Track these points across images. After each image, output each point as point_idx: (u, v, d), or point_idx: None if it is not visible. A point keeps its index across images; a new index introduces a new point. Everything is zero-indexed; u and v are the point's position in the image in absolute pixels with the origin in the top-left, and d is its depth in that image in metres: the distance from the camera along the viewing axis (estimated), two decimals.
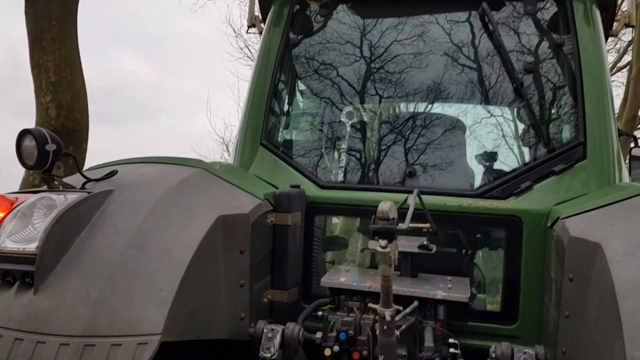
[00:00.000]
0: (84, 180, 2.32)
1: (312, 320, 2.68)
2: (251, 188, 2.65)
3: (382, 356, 1.96)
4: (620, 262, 1.85)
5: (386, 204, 1.91)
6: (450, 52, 3.15)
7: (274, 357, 2.29)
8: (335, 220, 3.09)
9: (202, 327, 2.17)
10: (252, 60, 21.48)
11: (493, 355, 2.21)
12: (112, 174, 2.38)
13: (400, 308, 2.04)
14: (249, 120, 3.20)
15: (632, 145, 5.18)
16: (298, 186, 2.86)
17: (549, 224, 2.56)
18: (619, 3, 3.22)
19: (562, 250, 2.26)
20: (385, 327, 1.95)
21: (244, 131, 3.21)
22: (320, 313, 2.68)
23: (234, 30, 25.78)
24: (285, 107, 3.35)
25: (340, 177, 3.16)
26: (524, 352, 2.17)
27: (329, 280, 2.63)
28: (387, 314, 1.93)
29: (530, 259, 2.65)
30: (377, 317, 2.52)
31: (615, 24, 3.41)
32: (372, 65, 3.27)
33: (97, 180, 2.34)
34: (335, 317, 2.53)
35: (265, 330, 2.35)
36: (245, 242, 2.46)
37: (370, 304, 2.05)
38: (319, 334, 2.46)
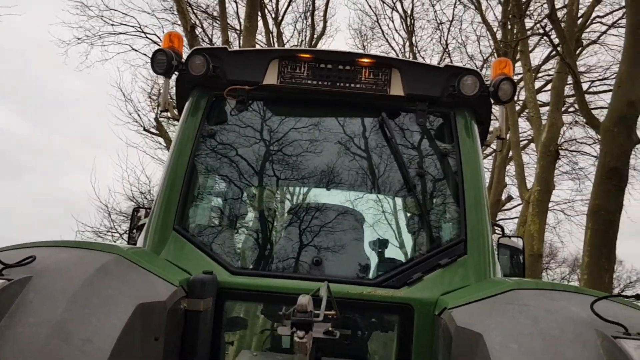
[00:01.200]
0: (1, 265, 2.31)
1: None
2: (165, 274, 2.75)
3: None
4: (498, 351, 2.19)
5: (305, 298, 2.12)
6: (353, 152, 3.54)
7: None
8: (244, 305, 3.23)
9: None
10: (141, 126, 21.26)
11: None
12: (30, 259, 2.39)
13: None
14: (163, 204, 3.32)
15: (499, 234, 5.86)
16: (211, 272, 2.99)
17: (436, 312, 2.91)
18: (492, 119, 3.79)
19: (449, 338, 2.58)
20: None
21: (157, 215, 3.30)
22: None
23: (124, 95, 25.49)
24: (199, 194, 3.51)
25: (251, 264, 3.34)
26: None
27: None
28: None
29: (420, 344, 2.97)
30: None
31: (488, 135, 4.01)
32: (282, 158, 3.56)
33: (14, 265, 2.34)
34: None
35: None
36: (161, 329, 2.54)
37: None
38: None
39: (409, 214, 3.50)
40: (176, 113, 4.01)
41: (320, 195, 3.55)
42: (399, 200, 3.56)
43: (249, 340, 3.20)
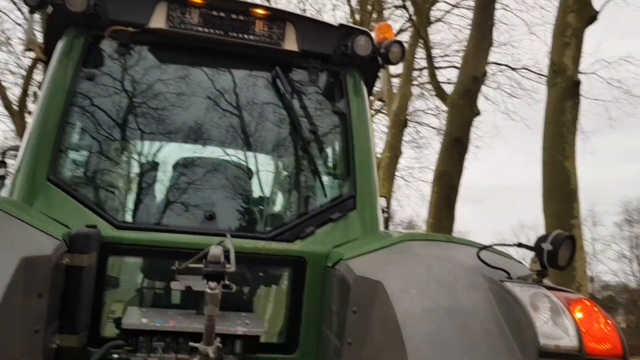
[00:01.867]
0: None
1: None
2: (47, 227, 2.51)
3: None
4: (398, 296, 2.33)
5: (217, 249, 2.07)
6: (244, 106, 3.45)
7: None
8: (129, 260, 3.05)
9: None
10: None
11: None
12: None
13: (220, 345, 2.18)
14: (33, 153, 2.98)
15: None
16: (95, 226, 2.78)
17: (329, 264, 3.00)
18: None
19: (345, 287, 2.68)
20: None
21: (27, 164, 2.97)
22: (115, 356, 2.64)
23: None
24: (77, 143, 3.21)
25: (137, 218, 3.14)
26: None
27: (130, 322, 2.61)
28: (210, 351, 2.06)
29: (311, 295, 3.05)
30: (178, 355, 2.62)
31: (371, 97, 4.16)
32: (170, 109, 3.37)
33: None
34: (137, 358, 2.53)
35: None
36: (45, 286, 2.32)
37: (191, 343, 2.15)
38: None
39: (300, 170, 3.53)
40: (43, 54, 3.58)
41: (210, 150, 3.43)
42: (290, 157, 3.56)
43: (135, 297, 3.04)
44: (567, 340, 2.07)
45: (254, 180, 3.47)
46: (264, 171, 3.51)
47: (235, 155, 3.46)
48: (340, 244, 3.10)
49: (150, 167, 3.36)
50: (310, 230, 3.14)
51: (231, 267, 2.10)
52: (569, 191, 8.44)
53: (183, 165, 3.37)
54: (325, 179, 3.46)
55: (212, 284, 2.02)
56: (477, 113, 12.69)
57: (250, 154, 3.49)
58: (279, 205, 3.51)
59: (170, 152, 3.43)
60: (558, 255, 2.25)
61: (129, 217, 3.16)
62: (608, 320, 2.20)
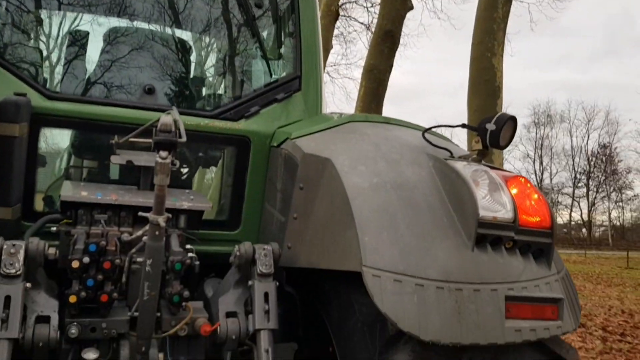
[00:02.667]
0: None
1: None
2: None
3: (151, 260, 2.07)
4: (347, 172, 2.38)
5: (168, 117, 1.99)
6: None
7: (19, 272, 2.14)
8: (62, 133, 2.90)
9: None
10: None
11: (237, 253, 2.54)
12: None
13: (170, 216, 2.17)
14: None
15: None
16: (24, 95, 2.58)
17: (274, 144, 2.99)
18: None
19: (292, 165, 2.70)
20: (157, 232, 2.06)
21: None
22: (53, 229, 2.57)
23: None
24: (2, 11, 2.89)
25: (71, 89, 2.94)
26: (264, 248, 2.56)
27: (69, 195, 2.53)
28: (161, 221, 2.04)
29: (254, 173, 3.05)
30: (121, 229, 2.58)
31: None
32: None
33: None
34: (78, 230, 2.48)
35: (5, 247, 2.16)
36: None
37: (141, 213, 2.11)
38: (51, 250, 2.37)
39: (245, 50, 3.40)
40: None
41: (147, 23, 3.20)
42: (235, 36, 3.40)
43: (72, 172, 2.93)
44: (504, 212, 2.22)
45: (197, 58, 3.32)
46: (207, 49, 3.36)
47: (177, 31, 3.26)
48: (285, 125, 3.08)
49: (83, 37, 3.11)
50: (254, 109, 3.08)
51: (182, 138, 2.05)
52: (494, 88, 8.73)
53: (121, 35, 3.15)
54: (271, 58, 3.37)
55: (164, 154, 1.96)
56: (411, 7, 12.56)
57: (193, 31, 3.30)
58: (222, 83, 3.39)
59: (106, 23, 3.18)
60: (500, 135, 2.35)
61: (61, 88, 2.96)
62: (540, 197, 2.37)
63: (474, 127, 2.47)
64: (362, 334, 2.30)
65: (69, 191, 2.56)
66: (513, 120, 2.38)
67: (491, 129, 2.36)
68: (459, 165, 2.33)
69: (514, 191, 2.32)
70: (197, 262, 2.63)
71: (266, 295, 2.43)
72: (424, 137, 2.59)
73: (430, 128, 2.68)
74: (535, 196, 2.36)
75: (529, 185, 2.39)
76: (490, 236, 2.20)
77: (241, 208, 3.08)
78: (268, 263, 2.49)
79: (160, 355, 2.33)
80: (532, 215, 2.29)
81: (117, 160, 2.67)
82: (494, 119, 2.39)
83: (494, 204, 2.25)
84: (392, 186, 2.31)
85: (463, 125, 2.66)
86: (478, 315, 2.03)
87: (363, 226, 2.18)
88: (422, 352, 2.16)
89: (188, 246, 2.69)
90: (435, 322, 1.98)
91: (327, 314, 2.60)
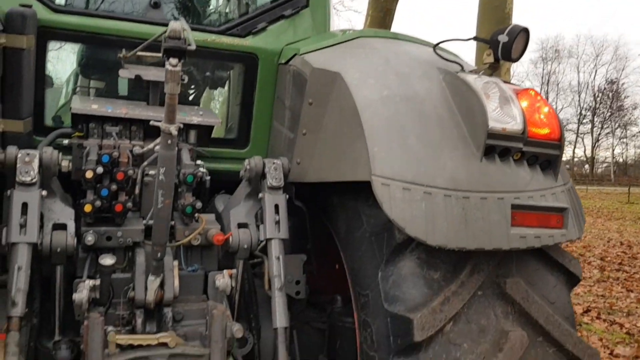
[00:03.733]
0: None
1: None
2: None
3: (164, 168, 2.09)
4: (356, 86, 2.37)
5: (177, 24, 1.97)
6: None
7: (33, 180, 2.18)
8: (70, 47, 2.87)
9: None
10: None
11: (247, 167, 2.57)
12: None
13: (182, 125, 2.18)
14: None
15: None
16: (30, 6, 2.54)
17: (282, 61, 2.96)
18: None
19: (301, 81, 2.69)
20: (169, 141, 2.07)
21: None
22: (65, 142, 2.60)
23: None
24: None
25: (77, 2, 2.89)
26: (274, 162, 2.59)
27: (79, 107, 2.54)
28: (172, 129, 2.06)
29: (263, 91, 3.04)
30: (132, 142, 2.61)
31: None
32: None
33: None
34: (90, 142, 2.51)
35: (20, 155, 2.19)
36: None
37: (153, 122, 2.12)
38: (64, 162, 2.41)
39: None
40: None
41: None
42: None
43: (80, 87, 2.92)
44: (513, 124, 2.23)
45: None
46: None
47: None
48: (293, 42, 3.04)
49: None
50: (262, 26, 3.04)
51: (192, 45, 2.03)
52: (503, 15, 8.53)
53: None
54: None
55: (174, 61, 1.94)
56: None
57: None
58: None
59: None
60: (513, 47, 2.32)
61: (66, 1, 2.90)
62: (550, 110, 2.37)
63: (486, 40, 2.44)
64: (369, 244, 2.36)
65: (78, 104, 2.57)
66: (526, 32, 2.34)
67: (503, 41, 2.33)
68: (470, 78, 2.32)
69: (524, 104, 2.31)
70: (208, 177, 2.68)
71: (276, 207, 2.49)
72: (435, 52, 2.56)
73: (440, 42, 2.65)
74: (546, 109, 2.36)
75: (539, 98, 2.38)
76: (499, 147, 2.21)
77: (250, 126, 3.09)
78: (278, 176, 2.53)
79: (175, 263, 2.40)
80: (542, 127, 2.30)
81: (125, 74, 2.66)
82: (507, 30, 2.35)
83: (504, 116, 2.25)
84: (401, 98, 2.31)
85: (475, 38, 2.62)
86: (484, 222, 2.07)
87: (373, 137, 2.19)
88: (428, 259, 2.23)
89: (199, 162, 2.72)
90: (442, 228, 2.03)
91: (335, 227, 2.66)
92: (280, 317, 2.32)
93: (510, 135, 2.22)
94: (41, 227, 2.19)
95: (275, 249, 2.42)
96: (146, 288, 2.31)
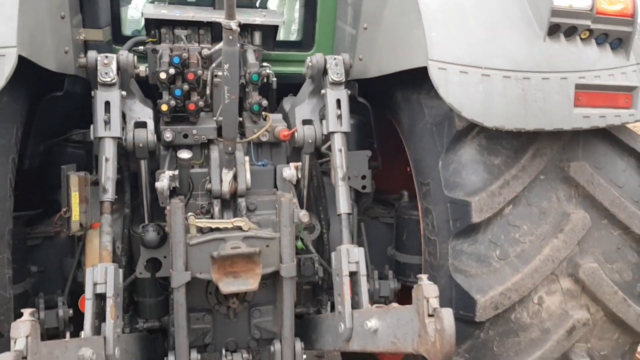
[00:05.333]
0: None
1: None
2: None
3: (228, 65, 2.19)
4: None
5: None
6: None
7: (113, 81, 2.36)
8: None
9: (37, 52, 2.11)
10: None
11: (310, 64, 2.62)
12: None
13: (241, 21, 2.25)
14: None
15: None
16: None
17: None
18: None
19: None
20: (230, 37, 2.15)
21: None
22: (141, 48, 2.76)
23: None
24: None
25: None
26: (334, 58, 2.62)
27: (152, 12, 2.67)
28: (233, 24, 2.13)
29: None
30: (201, 45, 2.73)
31: None
32: None
33: None
34: (163, 47, 2.65)
35: (99, 58, 2.37)
36: None
37: (215, 19, 2.20)
38: (142, 67, 2.57)
39: None
40: None
41: None
42: None
43: None
44: (581, 0, 2.12)
45: None
46: None
47: None
48: None
49: None
50: None
51: None
52: None
53: None
54: None
55: None
56: None
57: None
58: None
59: None
60: None
61: None
62: None
63: None
64: (430, 135, 2.40)
65: (150, 10, 2.70)
66: None
67: None
68: None
69: None
70: (274, 79, 2.77)
71: (338, 101, 2.55)
72: None
73: None
74: None
75: None
76: (564, 25, 2.13)
77: (315, 27, 3.12)
78: (339, 71, 2.57)
79: (246, 159, 2.56)
80: (613, 2, 2.17)
81: None
82: None
83: None
84: None
85: None
86: (545, 102, 2.04)
87: (430, 22, 2.17)
88: (488, 145, 2.25)
89: (265, 64, 2.82)
90: (499, 109, 2.03)
91: (398, 121, 2.70)
92: (343, 204, 2.44)
93: (577, 12, 2.12)
94: (124, 125, 2.40)
95: (337, 142, 2.51)
96: (221, 180, 2.49)
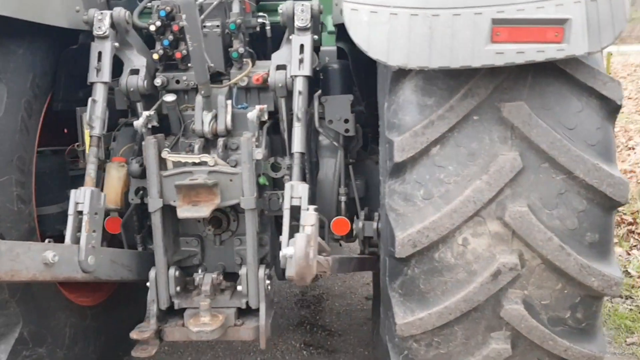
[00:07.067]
0: None
1: None
2: None
3: (185, 15, 2.38)
4: None
5: None
6: None
7: (105, 33, 2.73)
8: None
9: (37, 9, 2.53)
10: None
11: (281, 11, 2.78)
12: None
13: None
14: None
15: None
16: None
17: None
18: None
19: None
20: None
21: None
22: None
23: None
24: None
25: None
26: (302, 4, 2.73)
27: None
28: None
29: None
30: None
31: None
32: None
33: None
34: (154, 3, 2.95)
35: (96, 14, 2.77)
36: None
37: None
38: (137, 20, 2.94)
39: None
40: None
41: None
42: None
43: None
44: None
45: None
46: None
47: None
48: None
49: None
50: None
51: None
52: None
53: None
54: None
55: None
56: None
57: None
58: None
59: None
60: None
61: None
62: None
63: None
64: (382, 77, 2.47)
65: None
66: None
67: None
68: None
69: None
70: (268, 27, 2.96)
71: (302, 46, 2.68)
72: None
73: None
74: None
75: None
76: None
77: None
78: (304, 17, 2.69)
79: (228, 102, 2.82)
80: None
81: None
82: None
83: None
84: None
85: None
86: (453, 39, 1.99)
87: None
88: (424, 86, 2.24)
89: (261, 14, 3.02)
90: (403, 48, 2.03)
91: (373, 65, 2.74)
92: (297, 144, 2.60)
93: None
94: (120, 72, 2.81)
95: (297, 85, 2.65)
96: (202, 122, 2.80)
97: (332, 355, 3.95)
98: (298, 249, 1.78)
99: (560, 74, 2.17)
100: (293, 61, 2.68)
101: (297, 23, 2.69)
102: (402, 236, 2.20)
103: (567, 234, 2.17)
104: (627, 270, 5.15)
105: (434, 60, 2.01)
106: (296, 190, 2.47)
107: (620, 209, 7.05)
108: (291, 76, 2.68)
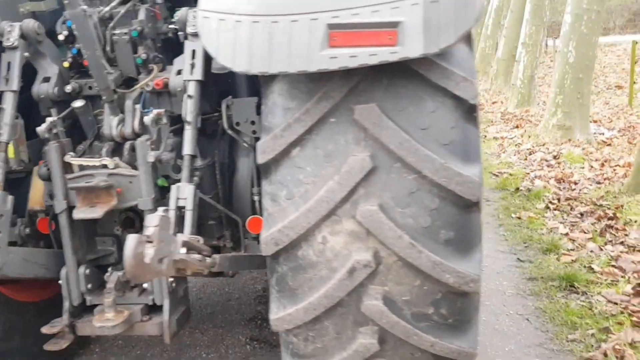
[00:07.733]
0: None
1: None
2: None
3: (75, 25, 2.57)
4: None
5: None
6: None
7: (15, 44, 2.85)
8: None
9: None
10: None
11: (175, 19, 2.91)
12: None
13: None
14: None
15: None
16: None
17: None
18: None
19: None
20: (66, 1, 2.50)
21: None
22: None
23: None
24: None
25: None
26: (194, 11, 2.78)
27: None
28: None
29: None
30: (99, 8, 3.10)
31: None
32: None
33: None
34: (66, 13, 3.06)
35: (5, 26, 2.88)
36: None
37: None
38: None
39: None
40: None
41: None
42: None
43: None
44: None
45: None
46: None
47: None
48: None
49: None
50: None
51: None
52: None
53: None
54: None
55: None
56: None
57: None
58: None
59: None
60: None
61: None
62: None
63: None
64: (249, 79, 2.54)
65: None
66: None
67: None
68: None
69: None
70: (180, 33, 3.07)
71: (193, 52, 2.78)
72: None
73: None
74: None
75: None
76: None
77: None
78: (196, 23, 2.79)
79: (136, 106, 2.95)
80: None
81: None
82: None
83: None
84: None
85: None
86: (290, 45, 2.06)
87: None
88: (289, 89, 2.32)
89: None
90: (245, 54, 2.11)
91: None
92: (187, 147, 2.70)
93: None
94: (33, 81, 2.97)
95: (189, 89, 2.75)
96: (110, 126, 2.94)
97: (273, 350, 4.05)
98: (127, 249, 1.88)
99: (414, 76, 2.21)
100: (185, 67, 2.79)
101: (189, 29, 2.80)
102: (265, 235, 2.29)
103: (420, 232, 2.21)
104: (590, 267, 5.07)
105: (273, 65, 2.09)
106: (182, 192, 2.58)
107: (604, 203, 6.95)
108: (184, 80, 2.79)
